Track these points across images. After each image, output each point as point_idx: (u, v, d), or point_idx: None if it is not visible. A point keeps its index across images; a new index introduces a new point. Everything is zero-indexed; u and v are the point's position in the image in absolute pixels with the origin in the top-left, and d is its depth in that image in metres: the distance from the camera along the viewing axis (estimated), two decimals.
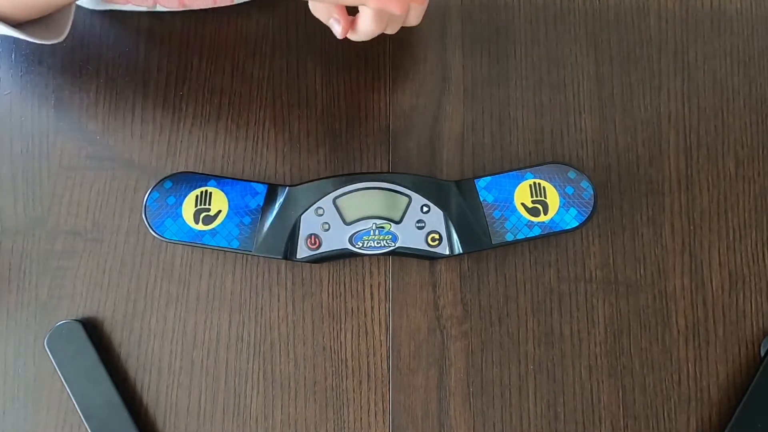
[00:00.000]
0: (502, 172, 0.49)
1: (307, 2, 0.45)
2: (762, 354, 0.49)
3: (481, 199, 0.48)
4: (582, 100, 0.53)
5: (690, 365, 0.49)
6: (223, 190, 0.49)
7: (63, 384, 0.47)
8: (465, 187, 0.49)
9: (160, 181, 0.49)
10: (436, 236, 0.47)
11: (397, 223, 0.47)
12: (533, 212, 0.48)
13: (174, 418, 0.48)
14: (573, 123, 0.52)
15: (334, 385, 0.48)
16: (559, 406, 0.48)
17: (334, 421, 0.48)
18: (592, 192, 0.48)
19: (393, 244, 0.47)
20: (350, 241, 0.47)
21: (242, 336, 0.49)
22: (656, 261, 0.50)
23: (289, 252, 0.47)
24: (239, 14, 0.54)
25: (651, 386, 0.49)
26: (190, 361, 0.49)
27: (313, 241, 0.47)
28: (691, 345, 0.49)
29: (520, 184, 0.48)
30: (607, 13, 0.55)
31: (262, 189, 0.49)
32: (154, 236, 0.47)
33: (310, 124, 0.52)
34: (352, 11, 0.44)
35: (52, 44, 0.48)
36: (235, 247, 0.47)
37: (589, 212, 0.48)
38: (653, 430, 0.48)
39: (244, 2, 0.54)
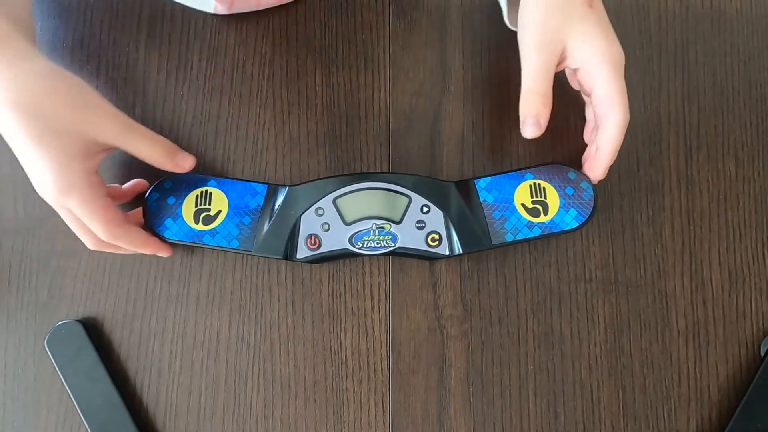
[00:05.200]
0: (502, 173, 0.49)
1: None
2: (762, 354, 0.49)
3: (481, 200, 0.48)
4: (582, 100, 0.53)
5: (690, 365, 0.49)
6: (223, 190, 0.49)
7: (63, 384, 0.47)
8: (465, 188, 0.49)
9: (160, 181, 0.49)
10: (436, 236, 0.47)
11: (397, 223, 0.47)
12: (533, 213, 0.48)
13: (174, 418, 0.48)
14: (573, 123, 0.52)
15: (334, 385, 0.48)
16: (559, 406, 0.48)
17: (334, 421, 0.48)
18: (592, 193, 0.48)
19: (393, 245, 0.47)
20: (350, 241, 0.47)
21: (242, 336, 0.49)
22: (656, 261, 0.50)
23: (289, 252, 0.47)
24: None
25: (651, 386, 0.49)
26: (190, 361, 0.49)
27: (313, 241, 0.47)
28: (691, 345, 0.49)
29: (520, 185, 0.48)
30: (607, 13, 0.55)
31: (262, 189, 0.49)
32: None
33: (310, 124, 0.52)
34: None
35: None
36: (235, 247, 0.47)
37: (589, 213, 0.48)
38: (653, 430, 0.48)
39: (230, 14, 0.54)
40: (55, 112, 0.40)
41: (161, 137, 0.46)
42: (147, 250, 0.47)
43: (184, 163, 0.47)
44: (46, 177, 0.41)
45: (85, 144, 0.42)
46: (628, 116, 0.45)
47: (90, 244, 0.46)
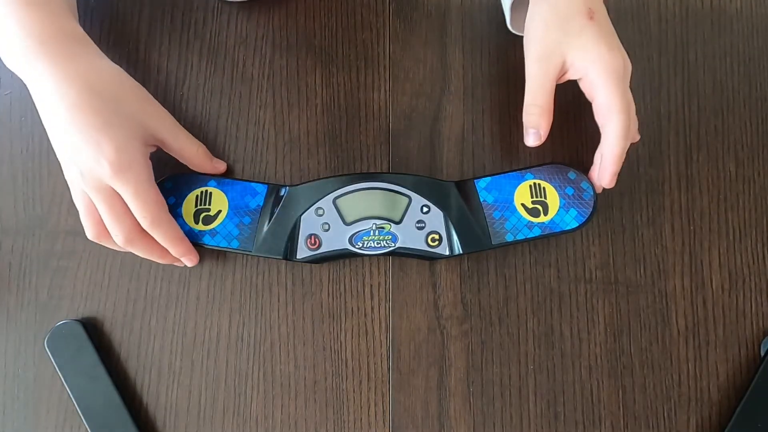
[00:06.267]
0: (502, 173, 0.49)
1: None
2: (762, 354, 0.49)
3: (481, 200, 0.48)
4: (582, 100, 0.53)
5: (690, 365, 0.49)
6: (223, 190, 0.49)
7: (63, 384, 0.47)
8: (465, 188, 0.49)
9: (161, 181, 0.49)
10: (436, 236, 0.47)
11: (397, 223, 0.47)
12: (533, 213, 0.48)
13: (174, 418, 0.48)
14: (573, 123, 0.52)
15: (334, 385, 0.48)
16: (559, 406, 0.48)
17: (334, 421, 0.48)
18: (592, 193, 0.48)
19: (393, 245, 0.47)
20: (350, 241, 0.47)
21: (242, 336, 0.49)
22: (656, 261, 0.50)
23: (289, 252, 0.47)
24: (239, 14, 0.54)
25: (651, 386, 0.49)
26: (190, 361, 0.49)
27: (313, 242, 0.47)
28: (691, 345, 0.49)
29: (520, 185, 0.48)
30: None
31: (262, 189, 0.49)
32: None
33: (310, 124, 0.52)
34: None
35: None
36: (235, 247, 0.47)
37: (589, 213, 0.48)
38: (653, 430, 0.48)
39: (244, 1, 0.54)
40: (125, 100, 0.45)
41: (200, 142, 0.50)
42: (179, 248, 0.46)
43: (219, 166, 0.50)
44: (107, 153, 0.43)
45: (144, 133, 0.45)
46: (629, 122, 0.45)
47: (121, 238, 0.44)
